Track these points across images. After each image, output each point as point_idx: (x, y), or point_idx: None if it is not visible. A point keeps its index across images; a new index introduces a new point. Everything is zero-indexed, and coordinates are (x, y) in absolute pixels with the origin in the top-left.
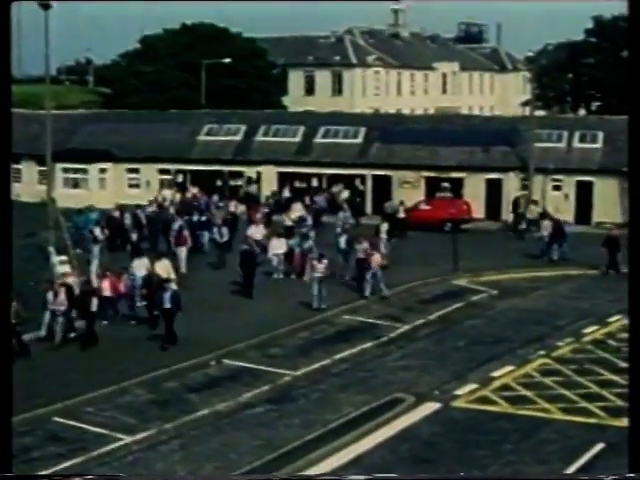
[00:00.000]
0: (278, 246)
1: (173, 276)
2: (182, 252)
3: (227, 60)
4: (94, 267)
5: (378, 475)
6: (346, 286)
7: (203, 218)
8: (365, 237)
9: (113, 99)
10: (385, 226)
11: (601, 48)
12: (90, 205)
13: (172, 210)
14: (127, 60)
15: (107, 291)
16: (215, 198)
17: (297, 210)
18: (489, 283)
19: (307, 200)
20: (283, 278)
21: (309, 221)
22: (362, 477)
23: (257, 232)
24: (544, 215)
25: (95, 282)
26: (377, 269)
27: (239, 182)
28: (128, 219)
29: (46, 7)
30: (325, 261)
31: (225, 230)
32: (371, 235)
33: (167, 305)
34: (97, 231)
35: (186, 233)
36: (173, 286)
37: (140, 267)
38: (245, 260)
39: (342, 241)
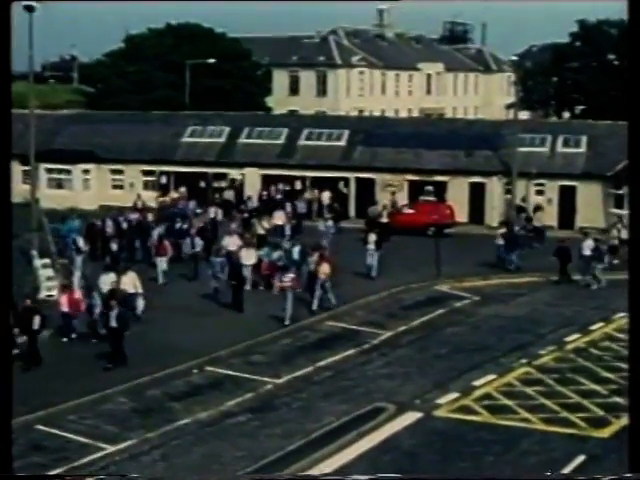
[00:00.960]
0: (247, 257)
1: (140, 290)
2: (162, 263)
3: (211, 60)
4: (76, 279)
5: (381, 475)
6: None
7: (185, 225)
8: (316, 248)
9: (97, 99)
10: (373, 237)
11: (585, 52)
12: (72, 208)
13: (151, 217)
14: (111, 60)
15: (65, 307)
16: (192, 204)
17: (278, 218)
18: (471, 289)
19: (288, 207)
20: (250, 290)
21: (287, 230)
22: (365, 477)
23: (231, 243)
24: (528, 219)
25: (78, 294)
26: (325, 279)
27: (223, 184)
28: (110, 227)
29: (30, 9)
30: (290, 275)
31: (198, 240)
32: (322, 246)
33: (113, 324)
34: (80, 241)
35: (166, 243)
36: (140, 301)
37: (106, 283)
38: (233, 272)
39: (295, 251)
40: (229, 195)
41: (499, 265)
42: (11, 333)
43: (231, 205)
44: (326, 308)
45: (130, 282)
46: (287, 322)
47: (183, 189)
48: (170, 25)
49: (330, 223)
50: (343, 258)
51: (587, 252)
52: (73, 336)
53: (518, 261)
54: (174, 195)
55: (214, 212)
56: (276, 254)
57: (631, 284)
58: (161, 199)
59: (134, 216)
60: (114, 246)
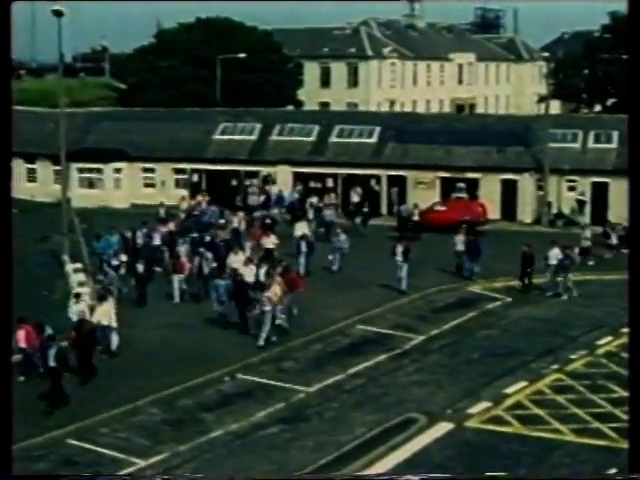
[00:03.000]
0: (247, 274)
1: (114, 324)
2: (178, 280)
3: (242, 55)
4: (111, 300)
5: (432, 475)
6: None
7: (207, 238)
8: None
9: (128, 94)
10: (400, 248)
11: (617, 44)
12: (104, 207)
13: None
14: (142, 55)
15: (22, 343)
16: (213, 210)
17: (300, 229)
18: (503, 289)
19: (311, 214)
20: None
21: (303, 247)
22: (416, 477)
23: (236, 261)
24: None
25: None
26: (276, 303)
27: (255, 181)
28: (140, 237)
29: (59, 14)
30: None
31: (210, 256)
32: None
33: (51, 363)
34: (115, 261)
35: (183, 259)
36: (114, 336)
37: (76, 312)
38: (236, 292)
39: (261, 273)
40: (253, 200)
41: (457, 273)
42: (10, 337)
43: (254, 211)
44: (273, 342)
45: (105, 313)
46: (261, 343)
47: (201, 197)
48: (200, 19)
49: (343, 237)
50: (371, 263)
51: (553, 261)
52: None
53: (476, 269)
54: (196, 199)
55: (237, 221)
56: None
57: (631, 285)
58: (184, 206)
59: (164, 229)
60: (140, 267)
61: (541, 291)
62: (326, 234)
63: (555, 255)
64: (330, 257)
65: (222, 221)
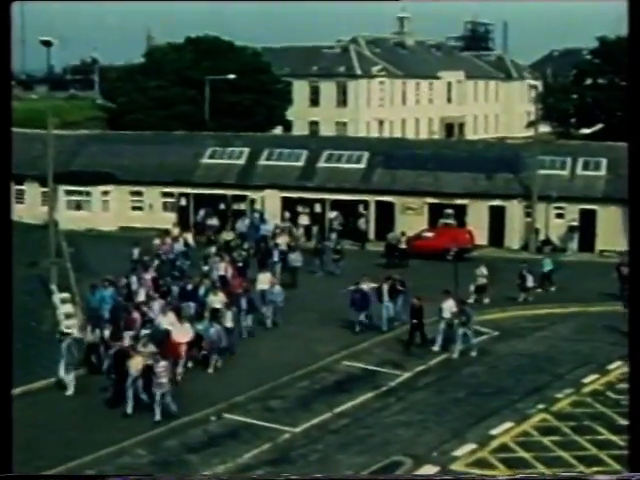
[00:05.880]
0: (181, 333)
1: None
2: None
3: (231, 76)
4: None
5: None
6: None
7: (189, 286)
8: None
9: (117, 115)
10: (386, 287)
11: (605, 70)
12: (91, 229)
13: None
14: (131, 75)
15: None
16: (178, 247)
17: (263, 281)
18: (490, 323)
19: (276, 255)
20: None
21: (242, 303)
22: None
23: (165, 322)
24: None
25: None
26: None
27: (242, 206)
28: (135, 283)
29: (48, 44)
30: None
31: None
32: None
33: None
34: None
35: (135, 315)
36: None
37: None
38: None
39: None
40: (228, 235)
41: (350, 326)
42: (11, 339)
43: (230, 249)
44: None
45: None
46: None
47: (176, 230)
48: (190, 39)
49: (278, 289)
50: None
51: (447, 314)
52: None
53: (366, 321)
54: (175, 231)
55: (224, 268)
56: (213, 329)
57: (631, 287)
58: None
59: (147, 276)
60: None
61: (430, 345)
62: (292, 280)
63: (449, 308)
64: (264, 310)
65: (206, 268)
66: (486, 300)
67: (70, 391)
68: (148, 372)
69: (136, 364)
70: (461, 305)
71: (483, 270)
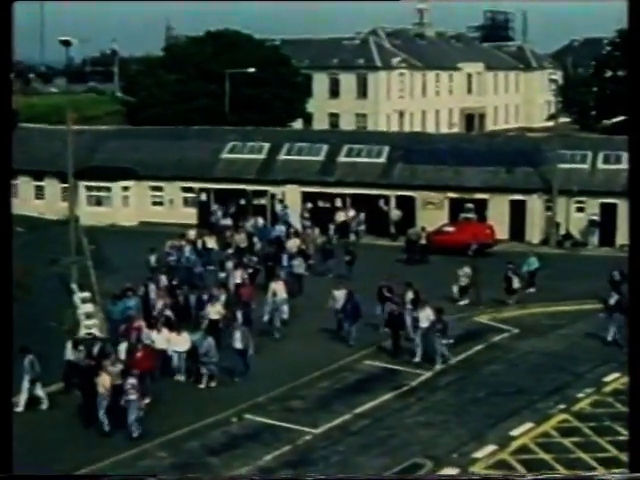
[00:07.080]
0: (179, 342)
1: None
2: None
3: (251, 69)
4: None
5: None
6: None
7: (205, 296)
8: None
9: (137, 109)
10: (410, 295)
11: (625, 62)
12: (112, 224)
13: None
14: (151, 69)
15: None
16: (188, 252)
17: (276, 291)
18: (511, 320)
19: (285, 261)
20: (185, 381)
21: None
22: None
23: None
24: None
25: None
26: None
27: (263, 201)
28: (154, 291)
29: (67, 44)
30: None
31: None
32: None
33: None
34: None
35: (138, 323)
36: None
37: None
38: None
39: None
40: (240, 239)
41: (338, 336)
42: (12, 339)
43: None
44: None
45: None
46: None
47: (192, 232)
48: (209, 32)
49: (282, 298)
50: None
51: (425, 324)
52: None
53: (355, 334)
54: (192, 233)
55: (240, 276)
56: (206, 341)
57: (631, 289)
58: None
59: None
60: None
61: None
62: (298, 288)
63: (426, 317)
64: (266, 318)
65: (222, 275)
66: (465, 301)
67: (45, 406)
68: (116, 392)
69: (103, 382)
70: (438, 314)
71: (467, 270)
